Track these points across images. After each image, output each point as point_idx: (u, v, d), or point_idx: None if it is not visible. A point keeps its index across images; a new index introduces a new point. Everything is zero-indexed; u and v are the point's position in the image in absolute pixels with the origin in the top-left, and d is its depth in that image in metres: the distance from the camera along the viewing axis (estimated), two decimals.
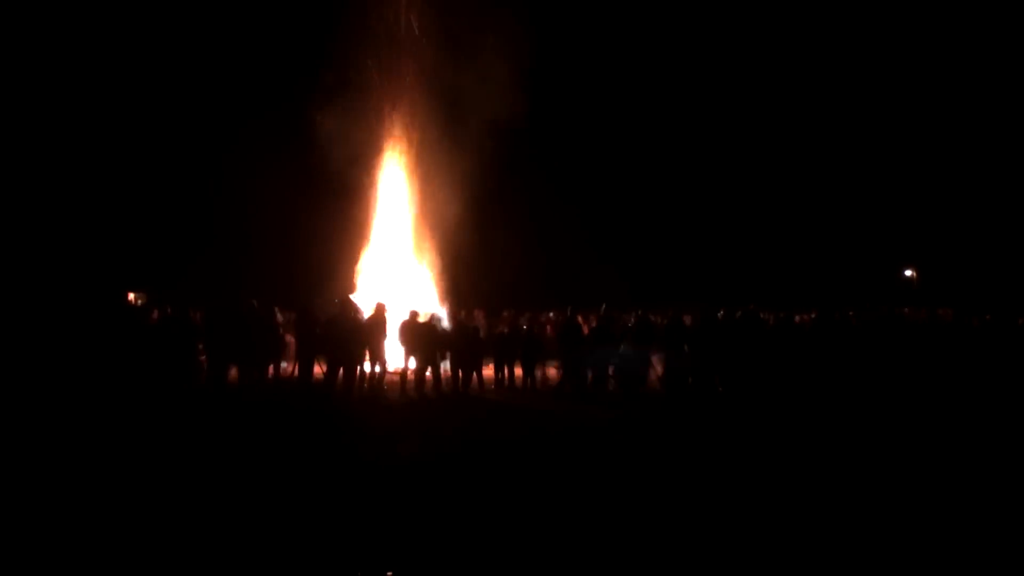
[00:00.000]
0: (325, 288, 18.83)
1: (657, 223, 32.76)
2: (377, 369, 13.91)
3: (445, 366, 14.22)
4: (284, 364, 14.99)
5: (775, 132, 32.30)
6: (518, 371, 15.01)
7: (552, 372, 15.51)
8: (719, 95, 32.27)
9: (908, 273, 35.74)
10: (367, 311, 14.03)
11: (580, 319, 15.56)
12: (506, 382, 14.81)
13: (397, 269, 19.49)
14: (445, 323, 15.07)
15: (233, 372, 13.79)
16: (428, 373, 13.94)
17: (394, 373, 14.46)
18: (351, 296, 16.62)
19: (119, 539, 5.55)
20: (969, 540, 5.72)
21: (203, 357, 13.69)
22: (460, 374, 14.27)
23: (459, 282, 20.35)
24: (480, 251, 20.83)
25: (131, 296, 18.81)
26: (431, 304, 17.68)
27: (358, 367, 13.49)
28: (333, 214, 20.11)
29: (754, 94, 32.63)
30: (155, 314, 14.79)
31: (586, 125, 30.43)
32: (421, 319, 14.33)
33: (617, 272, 27.95)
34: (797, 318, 16.43)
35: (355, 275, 19.35)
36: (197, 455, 8.46)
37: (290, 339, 14.81)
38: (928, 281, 33.16)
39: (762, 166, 33.12)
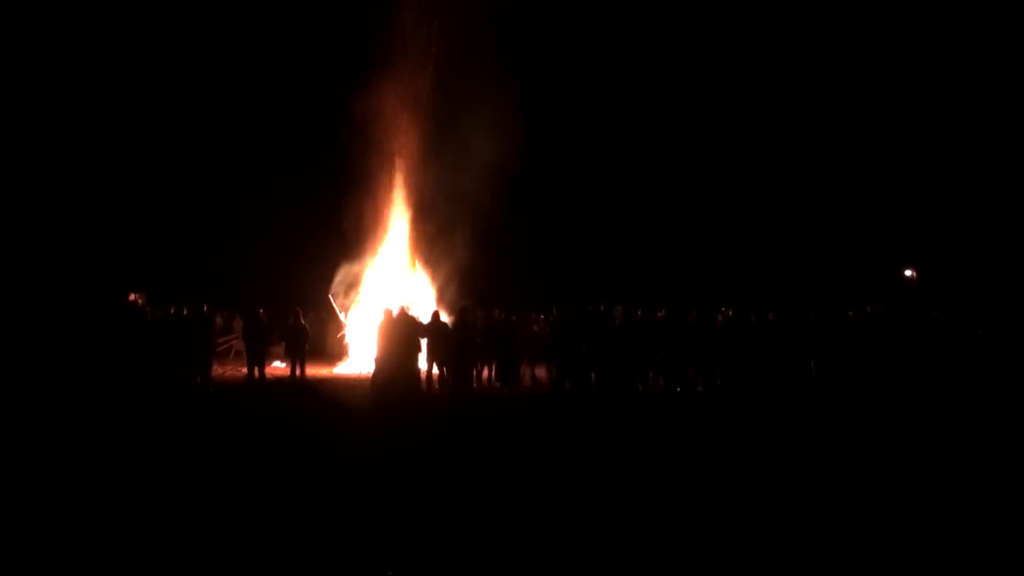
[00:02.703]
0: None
1: (656, 223, 32.77)
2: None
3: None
4: (278, 363, 15.35)
5: (774, 132, 32.29)
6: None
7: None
8: (719, 96, 32.29)
9: (908, 273, 35.67)
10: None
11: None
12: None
13: (397, 273, 19.63)
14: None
15: (229, 371, 13.95)
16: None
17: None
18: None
19: (121, 540, 5.64)
20: (968, 539, 5.79)
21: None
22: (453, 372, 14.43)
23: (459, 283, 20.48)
24: (478, 252, 20.94)
25: (132, 296, 18.96)
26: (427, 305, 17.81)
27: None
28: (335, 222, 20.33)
29: (753, 94, 32.63)
30: (159, 313, 14.99)
31: (584, 126, 30.49)
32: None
33: (615, 271, 28.04)
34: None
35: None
36: (191, 455, 8.54)
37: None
38: (928, 281, 33.10)
39: (761, 166, 33.11)
